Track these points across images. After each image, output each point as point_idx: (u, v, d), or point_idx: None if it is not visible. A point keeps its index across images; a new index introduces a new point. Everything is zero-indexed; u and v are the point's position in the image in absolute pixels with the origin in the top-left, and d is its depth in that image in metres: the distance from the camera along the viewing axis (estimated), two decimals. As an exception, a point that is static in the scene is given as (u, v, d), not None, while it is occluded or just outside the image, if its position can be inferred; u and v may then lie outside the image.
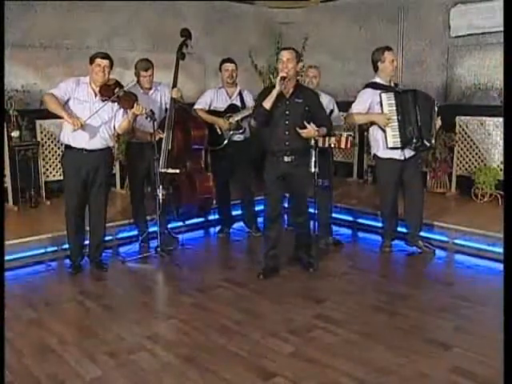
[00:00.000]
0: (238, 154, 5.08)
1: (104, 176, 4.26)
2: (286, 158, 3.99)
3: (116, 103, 4.13)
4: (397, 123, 4.39)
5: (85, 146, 4.09)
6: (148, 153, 4.59)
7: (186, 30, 4.94)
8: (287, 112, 3.96)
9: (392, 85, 4.54)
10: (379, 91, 4.43)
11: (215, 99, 5.08)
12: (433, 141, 4.54)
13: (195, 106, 5.12)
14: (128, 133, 4.64)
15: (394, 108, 4.39)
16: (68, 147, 4.15)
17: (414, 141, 4.41)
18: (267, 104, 3.89)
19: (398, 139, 4.41)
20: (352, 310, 3.58)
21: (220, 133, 5.04)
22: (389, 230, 4.81)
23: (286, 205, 4.78)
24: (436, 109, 4.52)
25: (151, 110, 4.31)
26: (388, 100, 4.40)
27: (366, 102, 4.51)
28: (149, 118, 4.29)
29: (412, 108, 4.40)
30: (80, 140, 4.08)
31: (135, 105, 4.11)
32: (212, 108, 5.09)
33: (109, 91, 4.07)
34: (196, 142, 4.88)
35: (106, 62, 4.06)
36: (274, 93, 3.87)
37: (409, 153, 4.49)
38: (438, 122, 4.59)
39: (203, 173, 5.10)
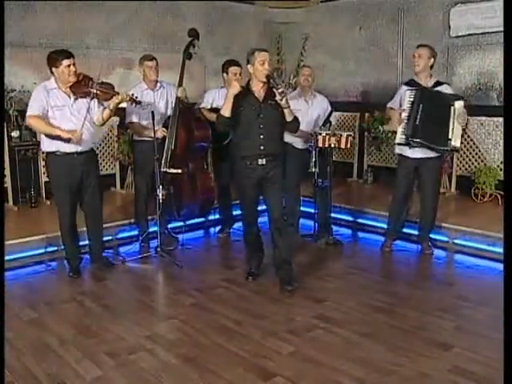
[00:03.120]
0: None
1: (95, 177, 4.23)
2: (261, 161, 3.78)
3: (93, 99, 3.98)
4: (406, 120, 4.36)
5: (75, 149, 4.01)
6: (153, 152, 4.54)
7: (193, 29, 4.90)
8: (261, 115, 3.74)
9: (428, 83, 4.46)
10: (406, 88, 4.46)
11: (217, 98, 5.05)
12: (453, 143, 4.31)
13: (200, 106, 5.11)
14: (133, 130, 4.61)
15: (411, 105, 4.35)
16: (54, 153, 4.03)
17: (416, 140, 4.31)
18: (226, 112, 3.71)
19: (403, 135, 4.39)
20: (352, 310, 3.58)
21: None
22: (392, 229, 4.80)
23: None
24: (455, 107, 4.30)
25: (133, 94, 4.19)
26: (408, 97, 4.37)
27: (397, 99, 4.61)
28: (134, 104, 4.20)
29: (417, 105, 4.30)
30: (69, 144, 3.97)
31: (117, 94, 3.98)
32: (214, 106, 5.05)
33: (82, 88, 3.93)
34: (199, 142, 4.87)
35: (73, 60, 3.92)
36: (230, 97, 3.66)
37: (424, 152, 4.41)
38: (460, 121, 4.31)
39: (205, 173, 5.09)
